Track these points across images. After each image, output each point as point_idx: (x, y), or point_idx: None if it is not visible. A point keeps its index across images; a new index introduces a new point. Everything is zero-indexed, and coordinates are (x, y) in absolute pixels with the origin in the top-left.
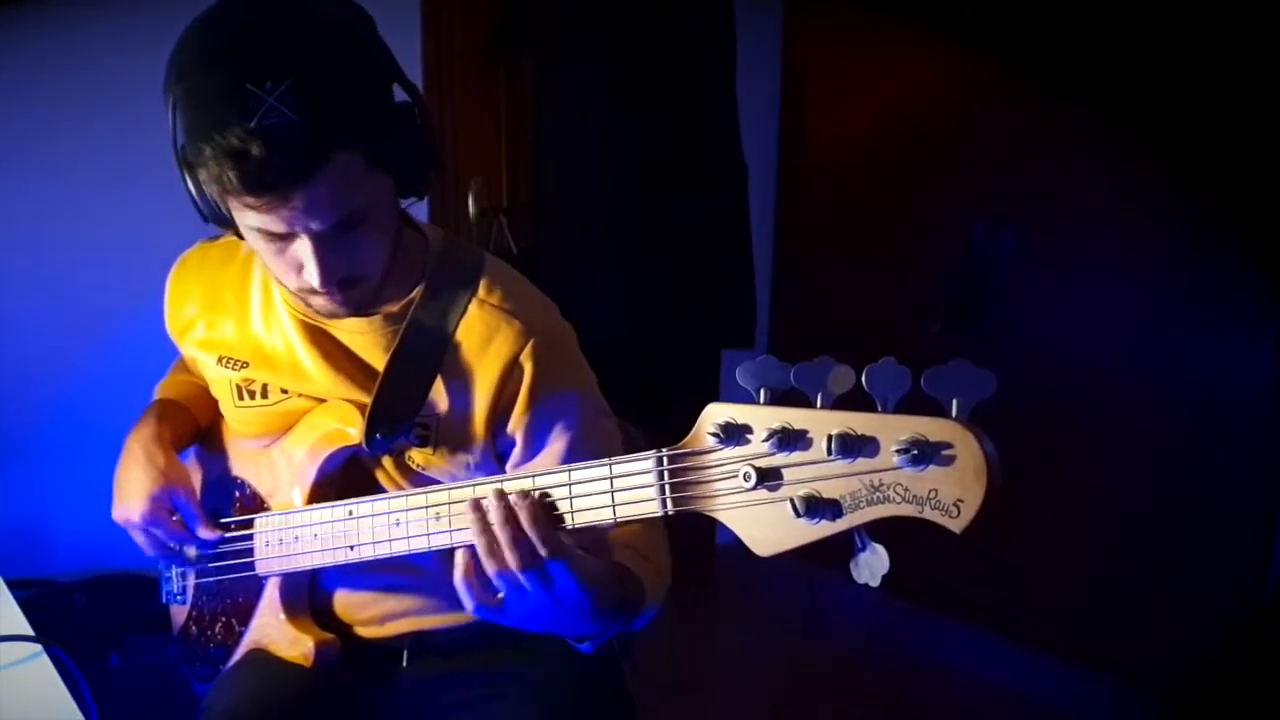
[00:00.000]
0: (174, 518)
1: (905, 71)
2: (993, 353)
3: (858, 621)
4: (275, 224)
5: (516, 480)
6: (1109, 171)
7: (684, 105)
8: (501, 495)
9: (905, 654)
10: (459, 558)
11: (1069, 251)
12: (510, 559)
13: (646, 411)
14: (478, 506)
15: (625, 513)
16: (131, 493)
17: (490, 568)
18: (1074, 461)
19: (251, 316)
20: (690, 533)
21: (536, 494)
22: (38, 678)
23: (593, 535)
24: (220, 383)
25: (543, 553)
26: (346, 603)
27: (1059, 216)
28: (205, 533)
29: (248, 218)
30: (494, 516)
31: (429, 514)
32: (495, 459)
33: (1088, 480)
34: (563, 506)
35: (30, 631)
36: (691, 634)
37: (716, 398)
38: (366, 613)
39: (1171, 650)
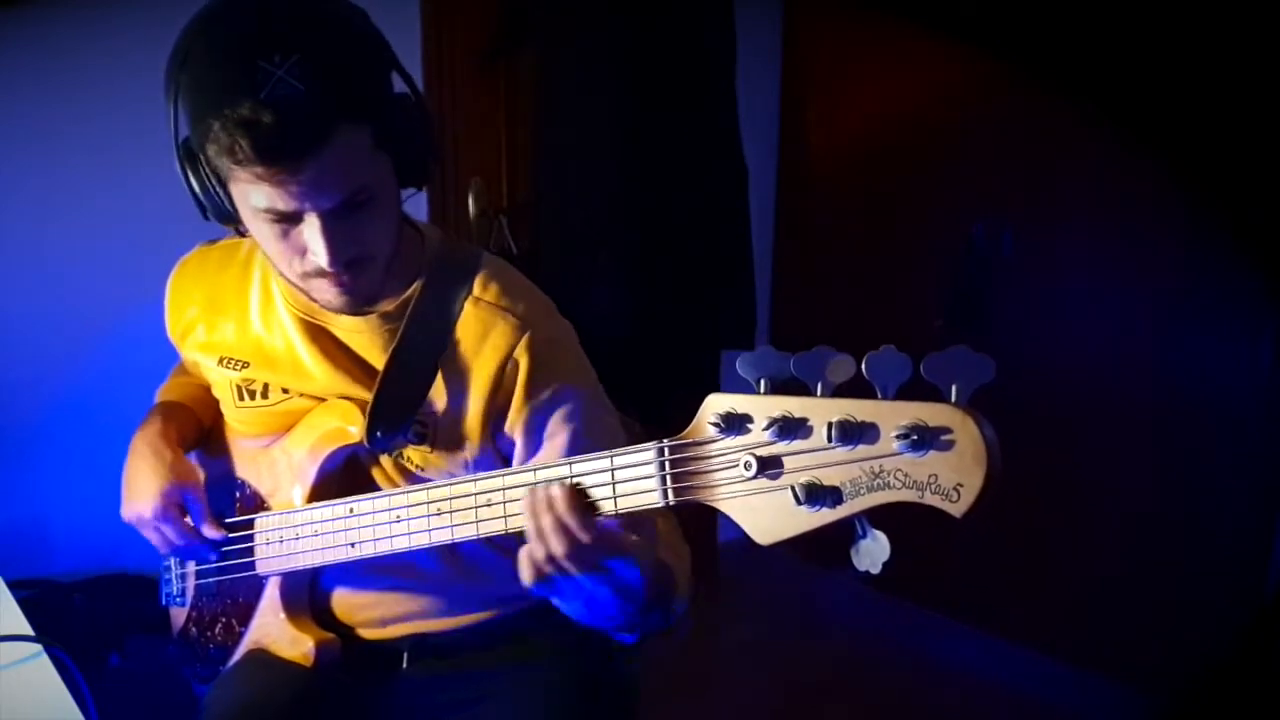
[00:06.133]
0: (184, 515)
1: (905, 71)
2: (992, 353)
3: (858, 621)
4: (284, 201)
5: (518, 475)
6: (1109, 171)
7: (684, 105)
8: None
9: (905, 654)
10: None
11: (1069, 251)
12: (555, 544)
13: (645, 412)
14: (531, 493)
15: (627, 504)
16: (142, 491)
17: (538, 552)
18: (1073, 461)
19: (251, 316)
20: (692, 532)
21: (569, 482)
22: (38, 678)
23: (637, 525)
24: (221, 384)
25: (584, 539)
26: (346, 604)
27: (1058, 216)
28: (210, 531)
29: (255, 197)
30: (535, 503)
31: (430, 509)
32: (494, 456)
33: (1087, 479)
34: None
35: (30, 631)
36: (692, 633)
37: None
38: (367, 614)
39: (1171, 650)
